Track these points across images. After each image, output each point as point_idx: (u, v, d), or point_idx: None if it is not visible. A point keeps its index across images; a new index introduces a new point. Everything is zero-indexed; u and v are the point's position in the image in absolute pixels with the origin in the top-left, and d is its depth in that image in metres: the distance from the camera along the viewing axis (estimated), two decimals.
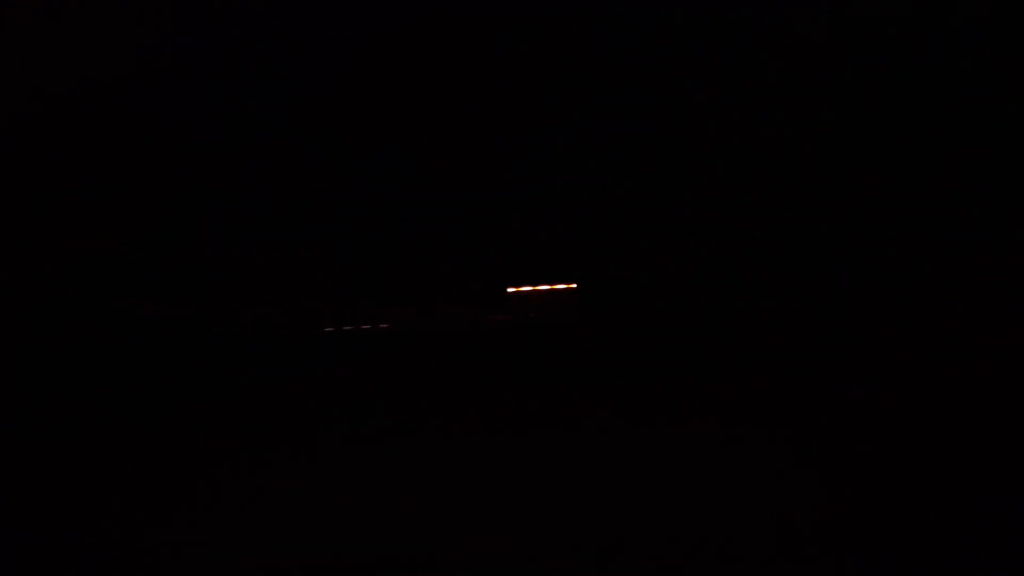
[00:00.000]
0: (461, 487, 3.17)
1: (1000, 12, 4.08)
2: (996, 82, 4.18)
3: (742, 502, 2.93)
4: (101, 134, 4.45)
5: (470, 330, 4.70)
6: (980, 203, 4.25)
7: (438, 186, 4.43)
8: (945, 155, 4.31)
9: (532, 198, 4.77)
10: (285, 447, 3.96)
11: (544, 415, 4.63)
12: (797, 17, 4.28)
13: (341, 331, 4.75)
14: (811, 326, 4.77)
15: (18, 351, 4.47)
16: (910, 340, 4.45)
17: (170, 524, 2.74)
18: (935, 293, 4.39)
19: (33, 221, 4.52)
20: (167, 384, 5.96)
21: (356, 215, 4.31)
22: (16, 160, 4.45)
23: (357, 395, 5.35)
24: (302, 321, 5.04)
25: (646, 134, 4.72)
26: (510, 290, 4.53)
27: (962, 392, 4.60)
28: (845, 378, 5.02)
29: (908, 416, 4.44)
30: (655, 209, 4.88)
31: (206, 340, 5.16)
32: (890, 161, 4.41)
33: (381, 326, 4.51)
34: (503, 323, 4.69)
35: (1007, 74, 4.16)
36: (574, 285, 4.48)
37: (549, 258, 4.55)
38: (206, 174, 4.41)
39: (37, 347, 4.56)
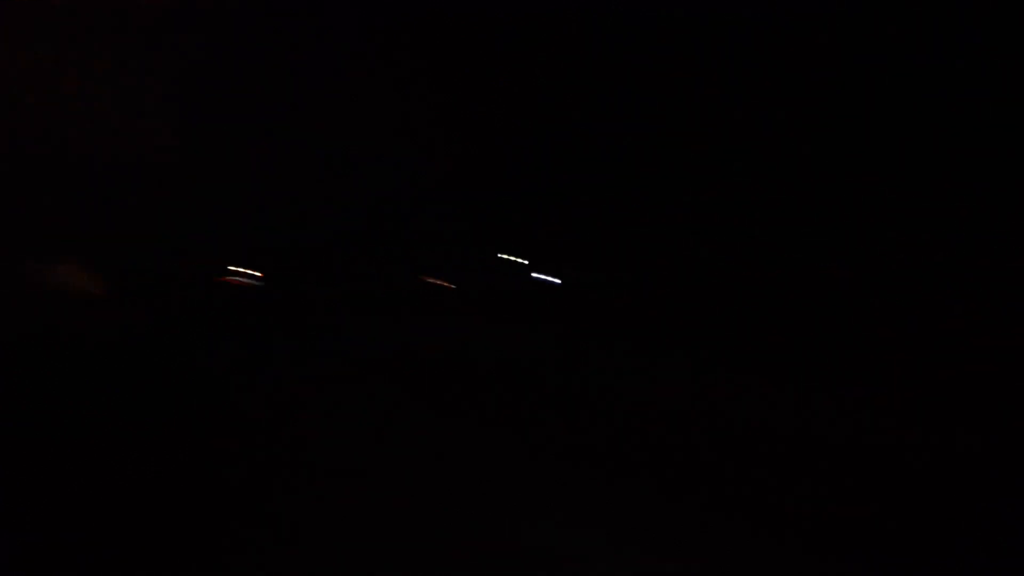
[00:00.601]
0: (461, 487, 3.17)
1: (1000, 12, 4.07)
2: (996, 82, 4.18)
3: (741, 502, 2.93)
4: None
5: None
6: (980, 203, 4.24)
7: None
8: (945, 155, 4.30)
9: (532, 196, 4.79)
10: (283, 446, 3.95)
11: (544, 416, 4.61)
12: (797, 17, 4.27)
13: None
14: (811, 326, 4.77)
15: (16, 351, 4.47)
16: (910, 340, 4.45)
17: (168, 525, 2.74)
18: (935, 293, 4.39)
19: None
20: (164, 385, 5.93)
21: None
22: None
23: (356, 392, 5.33)
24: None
25: (646, 133, 4.71)
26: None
27: (962, 392, 4.60)
28: (845, 378, 5.01)
29: (908, 416, 4.44)
30: (653, 209, 4.87)
31: (203, 340, 5.15)
32: (890, 161, 4.40)
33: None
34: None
35: (1007, 74, 4.15)
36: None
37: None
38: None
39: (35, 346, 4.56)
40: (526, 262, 5.07)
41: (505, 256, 5.09)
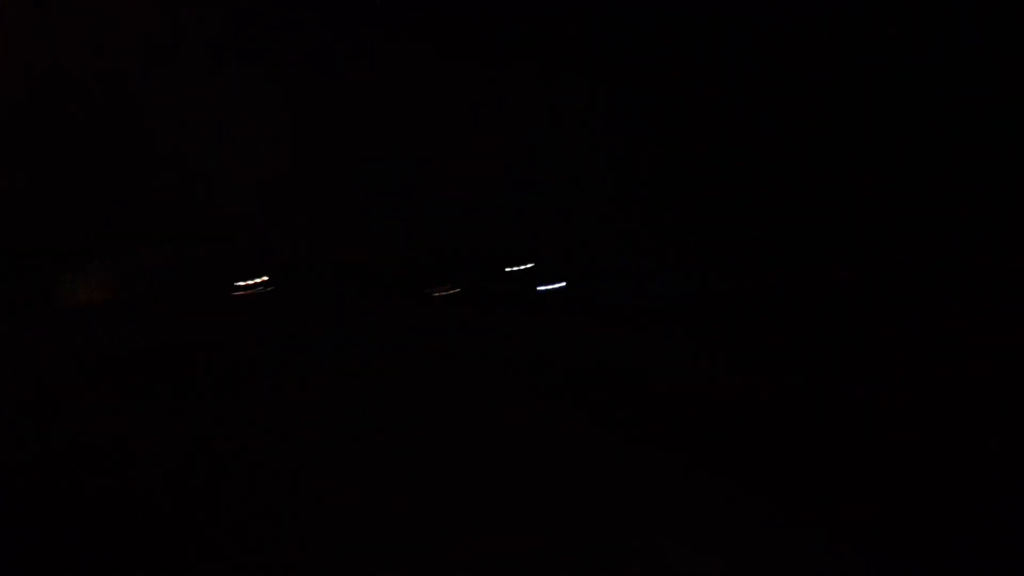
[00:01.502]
0: (461, 487, 3.17)
1: (1000, 12, 4.08)
2: (996, 82, 4.18)
3: (742, 501, 2.93)
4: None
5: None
6: (980, 203, 4.25)
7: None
8: (945, 155, 4.31)
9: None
10: (283, 445, 3.95)
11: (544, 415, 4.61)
12: (797, 16, 4.27)
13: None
14: (811, 326, 4.77)
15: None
16: (910, 340, 4.45)
17: (168, 524, 2.74)
18: (935, 293, 4.40)
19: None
20: (157, 381, 5.90)
21: None
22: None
23: (356, 390, 5.32)
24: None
25: (644, 133, 4.72)
26: None
27: (962, 392, 4.60)
28: (845, 378, 5.00)
29: (908, 416, 4.44)
30: (648, 209, 4.88)
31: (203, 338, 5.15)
32: (890, 161, 4.41)
33: None
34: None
35: (1007, 74, 4.16)
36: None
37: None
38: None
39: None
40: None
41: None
